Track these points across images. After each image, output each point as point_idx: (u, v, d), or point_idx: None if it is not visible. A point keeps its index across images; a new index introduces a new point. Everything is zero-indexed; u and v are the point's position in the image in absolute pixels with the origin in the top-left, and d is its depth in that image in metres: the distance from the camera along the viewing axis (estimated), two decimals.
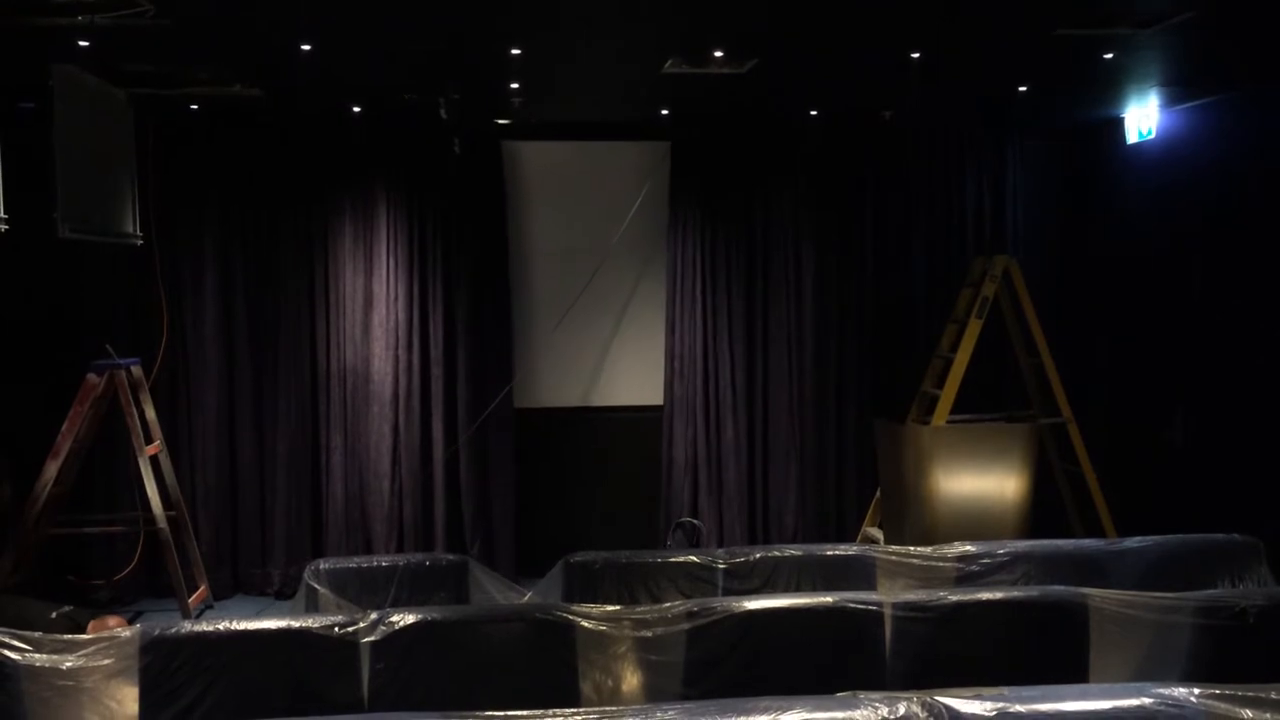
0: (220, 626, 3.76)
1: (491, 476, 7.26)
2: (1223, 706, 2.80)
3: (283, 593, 7.03)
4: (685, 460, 7.33)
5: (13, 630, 3.66)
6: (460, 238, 7.22)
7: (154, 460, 6.37)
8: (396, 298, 7.14)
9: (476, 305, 7.23)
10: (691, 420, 7.34)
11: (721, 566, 4.89)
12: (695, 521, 7.26)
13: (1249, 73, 5.89)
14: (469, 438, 7.11)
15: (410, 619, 3.79)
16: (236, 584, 7.13)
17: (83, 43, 4.94)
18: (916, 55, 5.38)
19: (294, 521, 7.10)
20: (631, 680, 3.89)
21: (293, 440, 7.08)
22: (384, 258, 7.13)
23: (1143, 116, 6.98)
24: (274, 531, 7.10)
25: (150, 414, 6.49)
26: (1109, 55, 5.36)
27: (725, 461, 7.34)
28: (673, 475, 7.36)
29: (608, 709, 2.98)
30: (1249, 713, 2.79)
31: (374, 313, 7.11)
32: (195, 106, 6.46)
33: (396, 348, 7.13)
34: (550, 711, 2.86)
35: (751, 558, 4.93)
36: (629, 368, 7.59)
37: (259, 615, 3.99)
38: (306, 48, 5.06)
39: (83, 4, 4.33)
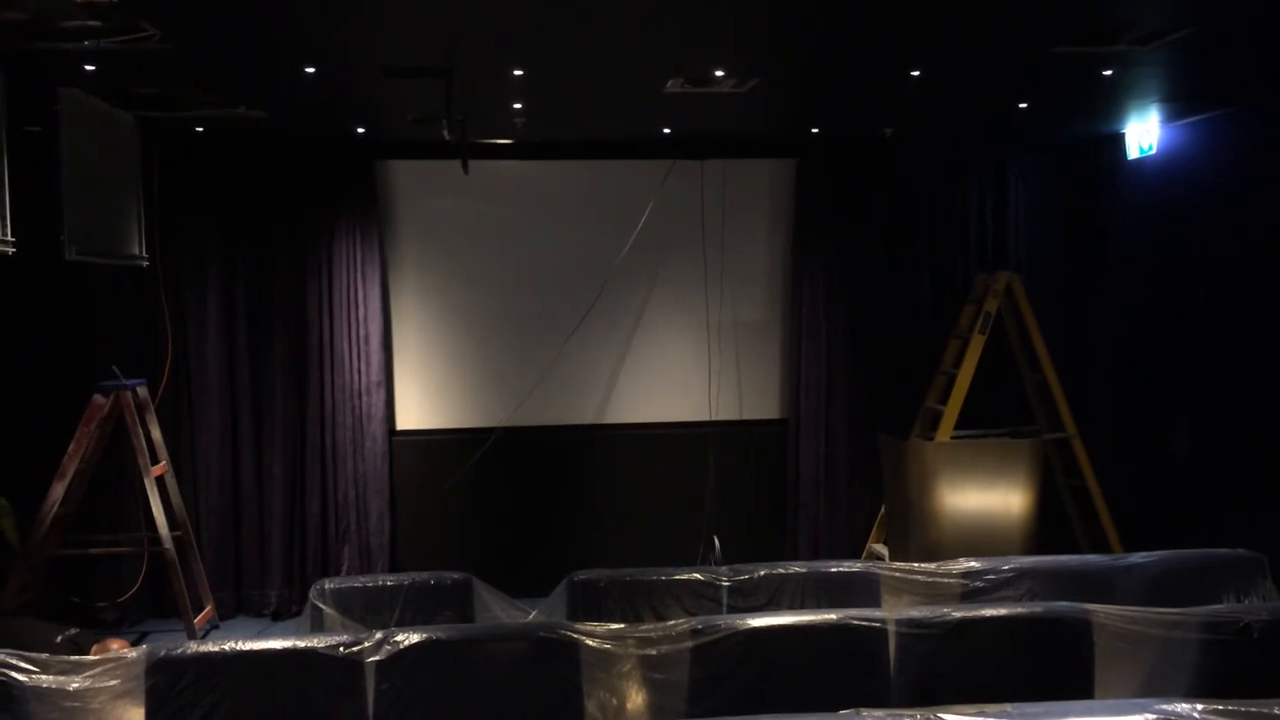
0: (225, 646, 3.77)
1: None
2: None
3: (279, 614, 7.07)
4: (813, 474, 7.52)
5: (20, 652, 3.68)
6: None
7: (159, 481, 6.39)
8: (383, 318, 7.23)
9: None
10: (814, 435, 7.54)
11: (726, 584, 4.87)
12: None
13: (1250, 87, 5.91)
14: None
15: (415, 638, 3.79)
16: (240, 605, 7.15)
17: (89, 67, 4.98)
18: (916, 74, 5.41)
19: (289, 542, 7.15)
20: (636, 699, 3.88)
21: (287, 461, 7.13)
22: (376, 279, 7.20)
23: (1144, 132, 7.00)
24: (271, 552, 7.13)
25: (156, 434, 6.51)
26: (1108, 72, 5.38)
27: (838, 475, 7.57)
28: (800, 489, 7.52)
29: None
30: None
31: (363, 334, 7.16)
32: (200, 129, 6.51)
33: (384, 369, 7.22)
34: None
35: (756, 574, 4.91)
36: (643, 385, 7.62)
37: (264, 635, 3.99)
38: (310, 70, 5.11)
39: (88, 29, 4.37)
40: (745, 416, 7.64)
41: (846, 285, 7.56)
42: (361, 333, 7.16)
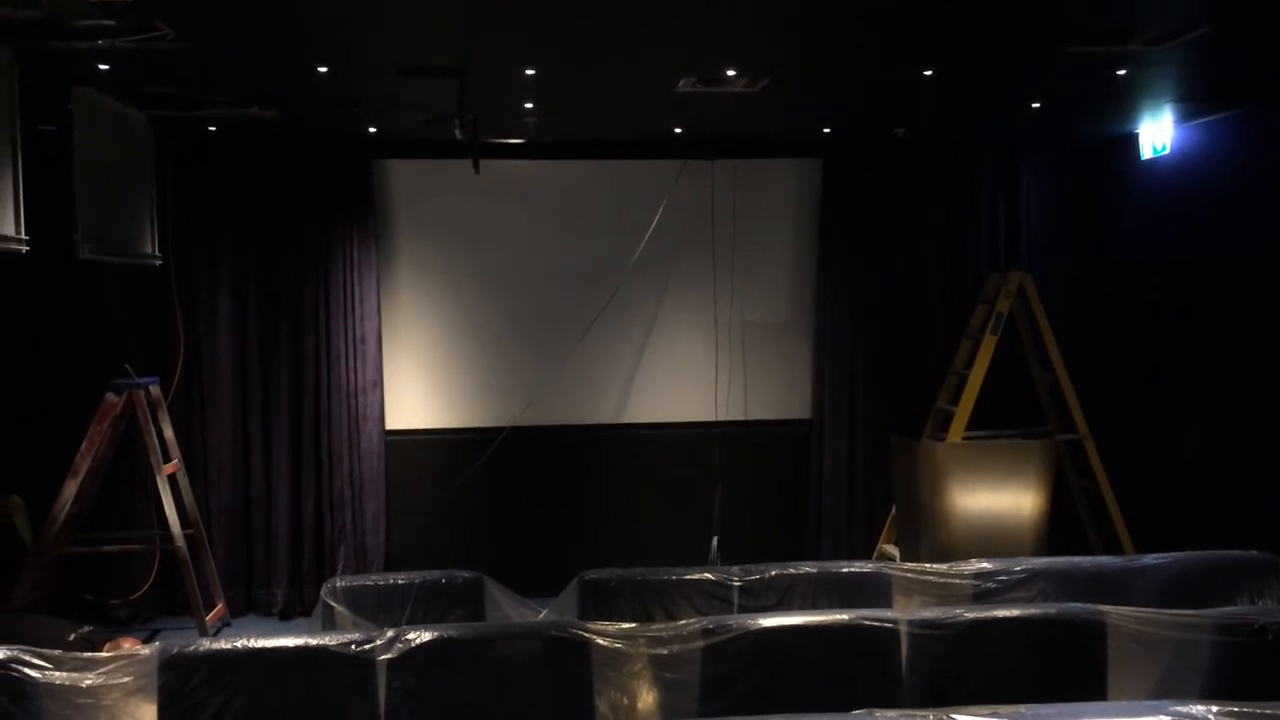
0: (238, 644, 3.78)
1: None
2: None
3: (285, 613, 7.10)
4: (835, 474, 7.53)
5: (33, 649, 3.69)
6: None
7: (172, 479, 6.41)
8: (379, 317, 7.23)
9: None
10: (838, 435, 7.56)
11: (737, 584, 4.87)
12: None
13: (1264, 87, 5.88)
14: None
15: (426, 637, 3.79)
16: (251, 603, 7.17)
17: (102, 66, 5.00)
18: (929, 73, 5.40)
19: (294, 541, 7.16)
20: (647, 698, 3.88)
21: (293, 460, 7.14)
22: (373, 278, 7.20)
23: (1157, 132, 6.97)
24: (278, 551, 7.15)
25: (168, 433, 6.53)
26: (1122, 72, 5.36)
27: (859, 475, 7.59)
28: (823, 489, 7.54)
29: None
30: None
31: (359, 333, 7.18)
32: (213, 128, 6.52)
33: (381, 368, 7.23)
34: None
35: (767, 575, 4.91)
36: (653, 385, 7.62)
37: (276, 633, 4.00)
38: (322, 70, 5.11)
39: (102, 28, 4.39)
40: (758, 416, 7.63)
41: (864, 285, 7.55)
42: (358, 332, 7.16)
